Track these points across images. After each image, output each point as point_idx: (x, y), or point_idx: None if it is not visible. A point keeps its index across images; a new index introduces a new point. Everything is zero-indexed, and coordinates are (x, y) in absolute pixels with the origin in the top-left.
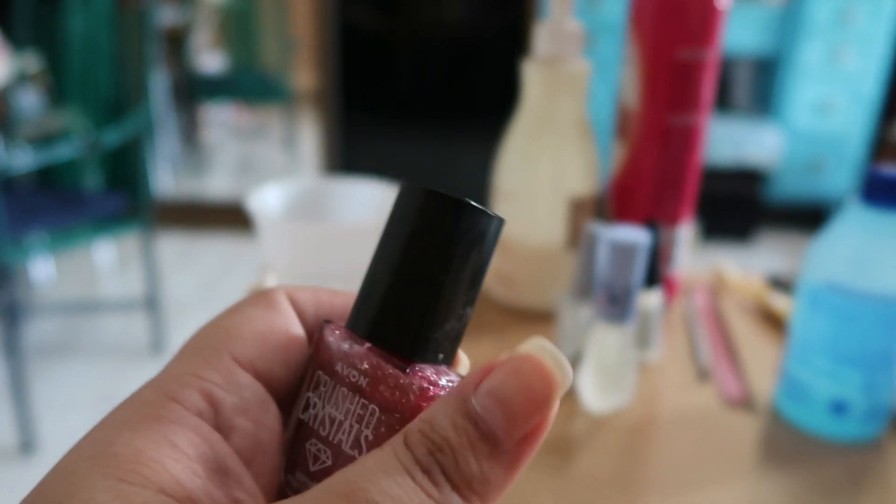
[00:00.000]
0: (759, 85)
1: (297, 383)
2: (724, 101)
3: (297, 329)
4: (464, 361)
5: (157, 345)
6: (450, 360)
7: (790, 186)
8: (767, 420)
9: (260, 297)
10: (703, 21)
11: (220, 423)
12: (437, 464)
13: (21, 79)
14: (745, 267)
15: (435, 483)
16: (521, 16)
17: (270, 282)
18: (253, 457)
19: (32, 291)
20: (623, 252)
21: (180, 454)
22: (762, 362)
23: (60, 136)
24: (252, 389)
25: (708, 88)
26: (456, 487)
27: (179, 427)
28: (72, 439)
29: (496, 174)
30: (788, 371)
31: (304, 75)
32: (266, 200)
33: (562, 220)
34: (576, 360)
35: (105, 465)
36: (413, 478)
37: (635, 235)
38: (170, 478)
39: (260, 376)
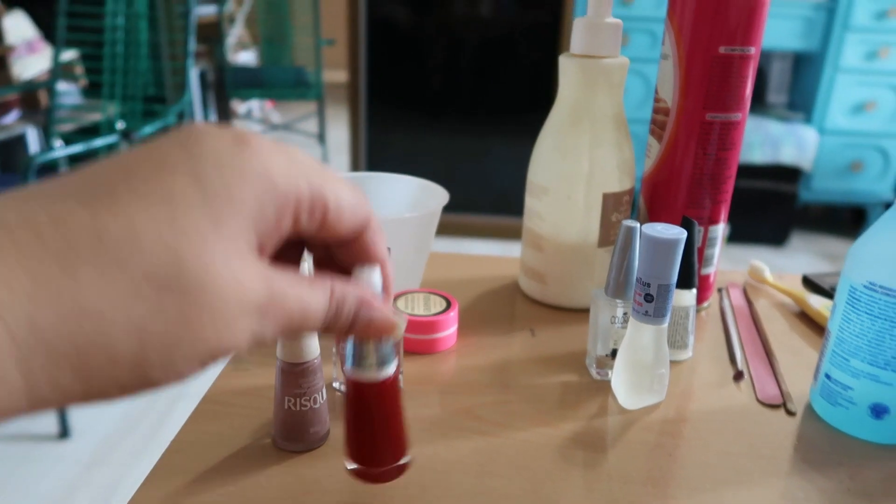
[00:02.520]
0: (796, 82)
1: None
2: (758, 98)
3: None
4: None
5: None
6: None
7: (826, 187)
8: (804, 421)
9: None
10: (745, 15)
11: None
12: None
13: (61, 71)
14: (778, 269)
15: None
16: (556, 13)
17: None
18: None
19: None
20: (661, 248)
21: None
22: (798, 363)
23: (98, 127)
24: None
25: (748, 84)
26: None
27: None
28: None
29: (531, 169)
30: (826, 372)
31: (338, 71)
32: None
33: (596, 217)
34: (609, 358)
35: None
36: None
37: (673, 231)
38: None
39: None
